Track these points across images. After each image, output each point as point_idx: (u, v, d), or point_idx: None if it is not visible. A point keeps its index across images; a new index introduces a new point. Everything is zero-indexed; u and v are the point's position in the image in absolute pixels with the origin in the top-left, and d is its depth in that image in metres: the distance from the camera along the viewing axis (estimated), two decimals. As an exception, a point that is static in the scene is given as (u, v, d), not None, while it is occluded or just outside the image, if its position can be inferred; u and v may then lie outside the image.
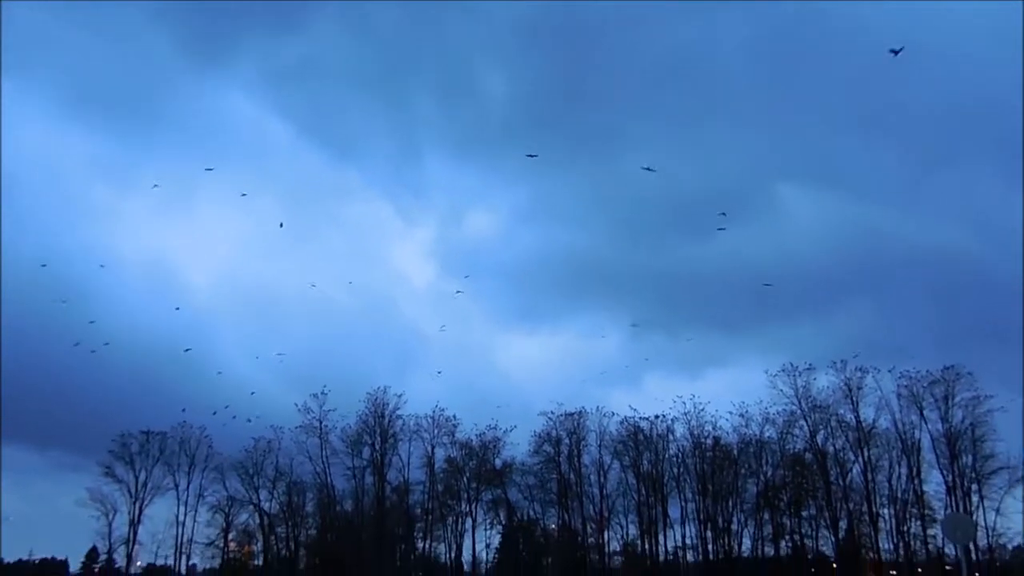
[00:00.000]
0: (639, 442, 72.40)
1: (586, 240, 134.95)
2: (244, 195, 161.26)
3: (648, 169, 56.78)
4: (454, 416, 73.59)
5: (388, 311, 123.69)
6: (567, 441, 72.88)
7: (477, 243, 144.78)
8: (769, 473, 70.88)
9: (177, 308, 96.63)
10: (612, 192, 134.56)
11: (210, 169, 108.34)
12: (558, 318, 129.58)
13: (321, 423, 71.93)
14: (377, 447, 72.20)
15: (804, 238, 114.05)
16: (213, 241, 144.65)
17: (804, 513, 70.21)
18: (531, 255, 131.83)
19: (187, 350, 76.99)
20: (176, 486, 72.02)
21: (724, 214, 67.41)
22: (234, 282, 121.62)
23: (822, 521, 69.29)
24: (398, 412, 72.77)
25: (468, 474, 73.34)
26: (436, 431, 73.13)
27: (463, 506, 72.97)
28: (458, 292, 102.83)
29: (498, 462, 73.52)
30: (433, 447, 73.23)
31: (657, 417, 72.15)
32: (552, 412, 73.23)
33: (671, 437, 72.36)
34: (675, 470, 72.14)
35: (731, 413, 71.65)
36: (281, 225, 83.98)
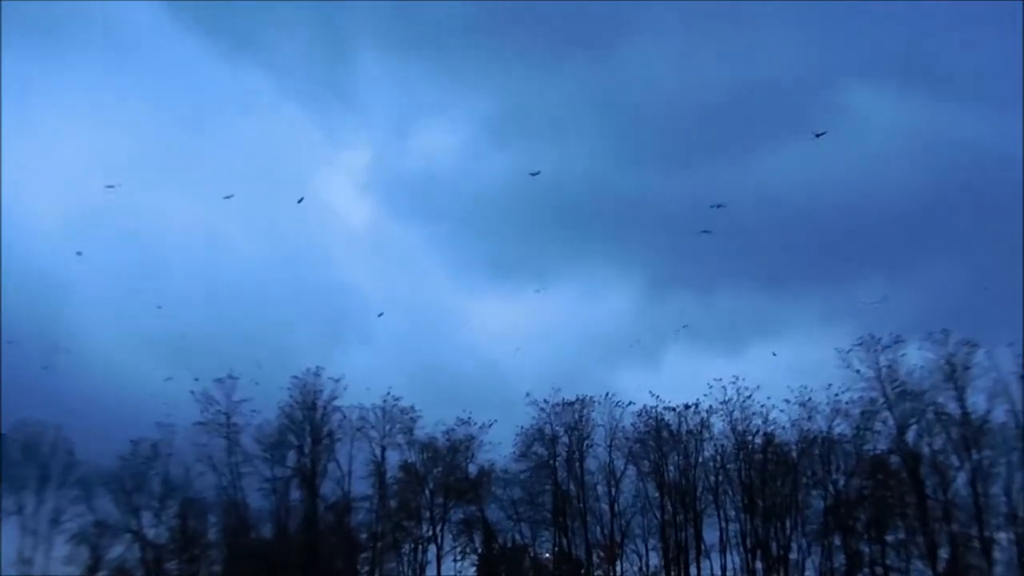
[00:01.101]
0: (663, 441, 62.33)
1: (580, 165, 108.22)
2: (104, 102, 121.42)
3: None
4: (412, 407, 63.29)
5: (313, 264, 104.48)
6: (565, 440, 63.18)
7: (431, 170, 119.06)
8: (841, 483, 60.84)
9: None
10: (614, 98, 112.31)
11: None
12: (547, 274, 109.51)
13: (228, 419, 61.69)
14: (306, 450, 62.25)
15: (885, 160, 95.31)
16: (61, 165, 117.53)
17: (889, 537, 60.65)
18: (505, 187, 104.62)
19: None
20: (20, 509, 60.33)
21: (720, 206, 56.36)
22: (94, 221, 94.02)
23: (914, 549, 59.60)
24: (335, 402, 62.60)
25: (431, 485, 63.59)
26: (387, 427, 63.02)
27: (424, 528, 63.41)
28: (406, 239, 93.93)
29: (472, 468, 63.89)
30: (384, 449, 63.11)
31: (688, 407, 62.12)
32: (545, 401, 63.28)
33: (706, 434, 62.30)
34: (712, 479, 62.16)
35: (788, 402, 60.90)
36: (300, 200, 72.29)
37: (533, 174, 64.13)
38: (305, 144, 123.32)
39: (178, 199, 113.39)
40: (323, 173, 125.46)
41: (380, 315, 70.05)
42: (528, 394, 62.83)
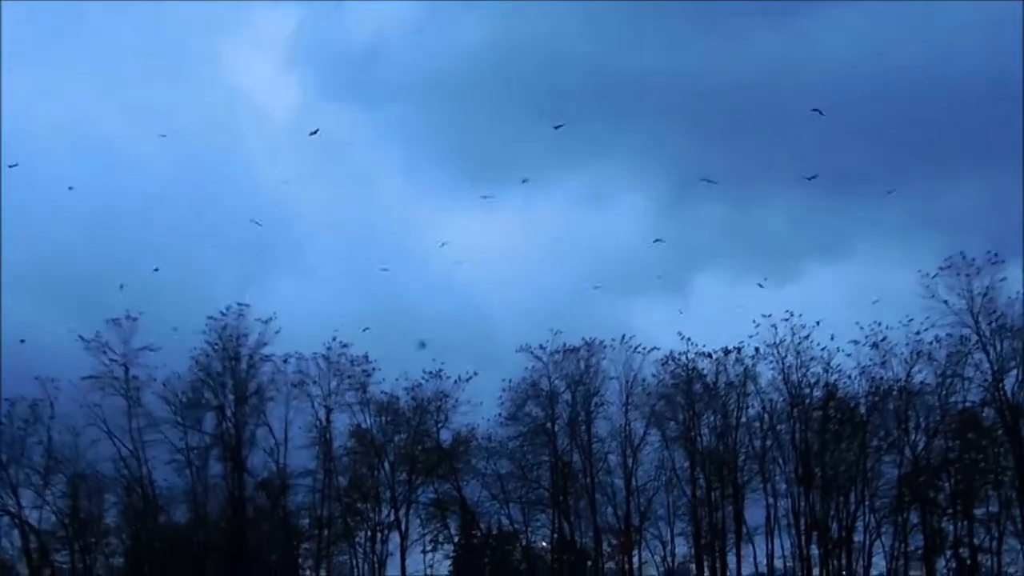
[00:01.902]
0: (695, 397, 54.93)
1: (574, 23, 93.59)
2: None
3: None
4: (365, 357, 54.36)
5: (223, 167, 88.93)
6: (568, 397, 55.33)
7: (379, 40, 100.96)
8: (921, 445, 53.80)
9: None
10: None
11: None
12: (534, 175, 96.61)
13: (127, 371, 53.17)
14: (229, 413, 54.27)
15: (976, 29, 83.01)
16: None
17: (979, 511, 54.52)
18: (476, 61, 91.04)
19: None
20: None
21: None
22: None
23: (1009, 525, 53.34)
24: (264, 350, 53.92)
25: (392, 457, 55.85)
26: (334, 383, 54.60)
27: (384, 512, 55.98)
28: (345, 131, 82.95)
29: (445, 435, 55.96)
30: (329, 411, 54.83)
31: (727, 352, 54.36)
32: (541, 347, 54.93)
33: (751, 387, 54.71)
34: (758, 444, 54.91)
35: (856, 343, 52.94)
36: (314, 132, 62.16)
37: (557, 127, 55.54)
38: (206, 6, 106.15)
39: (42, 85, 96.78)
40: (232, 45, 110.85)
41: (314, 236, 61.29)
42: (523, 345, 54.44)
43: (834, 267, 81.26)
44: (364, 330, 52.48)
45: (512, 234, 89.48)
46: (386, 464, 55.41)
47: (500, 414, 54.88)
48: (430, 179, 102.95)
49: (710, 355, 54.31)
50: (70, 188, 67.95)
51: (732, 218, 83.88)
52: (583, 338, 54.41)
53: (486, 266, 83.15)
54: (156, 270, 53.94)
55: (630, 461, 54.58)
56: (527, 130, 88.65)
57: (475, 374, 54.53)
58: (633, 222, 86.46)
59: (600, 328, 55.23)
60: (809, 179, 62.22)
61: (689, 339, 54.12)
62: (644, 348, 54.23)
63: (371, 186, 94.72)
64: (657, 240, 59.99)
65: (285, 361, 53.70)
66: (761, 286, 55.62)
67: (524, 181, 64.78)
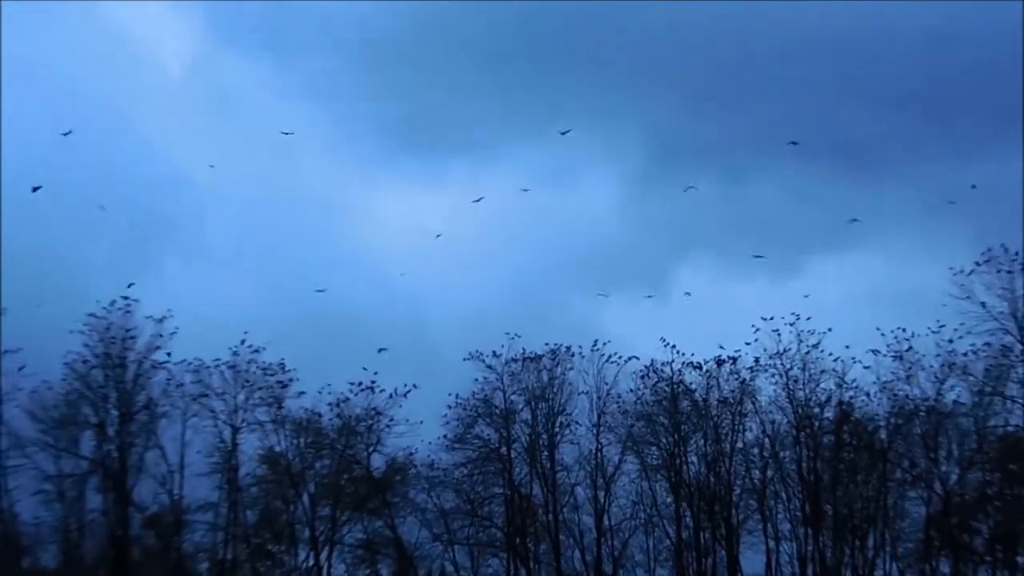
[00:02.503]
0: (682, 416, 50.43)
1: None
2: None
3: None
4: (281, 365, 49.40)
5: (103, 127, 78.52)
6: (527, 416, 50.66)
7: None
8: (953, 478, 49.53)
9: None
10: None
11: None
12: (483, 144, 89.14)
13: None
14: (111, 431, 49.07)
15: None
16: None
17: (1022, 558, 49.97)
18: (412, 4, 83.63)
19: None
20: None
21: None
22: None
23: None
24: (156, 355, 48.92)
25: (313, 488, 51.05)
26: (242, 396, 49.47)
27: (302, 556, 51.04)
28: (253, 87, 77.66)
29: (378, 461, 51.09)
30: (236, 431, 49.55)
31: (721, 363, 50.02)
32: (494, 355, 50.33)
33: (750, 405, 50.19)
34: (756, 474, 50.56)
35: (876, 354, 48.68)
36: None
37: (564, 132, 52.61)
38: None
39: None
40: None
41: (220, 214, 56.00)
42: (473, 352, 49.71)
43: (844, 258, 75.17)
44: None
45: (457, 217, 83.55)
46: (305, 496, 50.15)
47: (444, 436, 49.86)
48: (358, 149, 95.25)
49: (699, 366, 49.42)
50: None
51: (722, 199, 78.83)
52: (546, 344, 49.22)
53: (425, 255, 76.20)
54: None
55: (602, 495, 49.59)
56: (474, 92, 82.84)
57: (414, 387, 48.87)
58: (603, 203, 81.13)
59: (565, 332, 50.87)
60: (792, 144, 57.54)
61: (674, 346, 49.06)
62: (620, 357, 49.13)
63: (287, 156, 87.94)
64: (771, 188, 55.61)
65: (181, 370, 48.20)
66: (759, 256, 53.20)
67: (564, 133, 57.72)
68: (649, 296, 61.20)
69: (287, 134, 53.71)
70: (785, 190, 78.42)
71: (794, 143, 57.58)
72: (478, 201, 56.14)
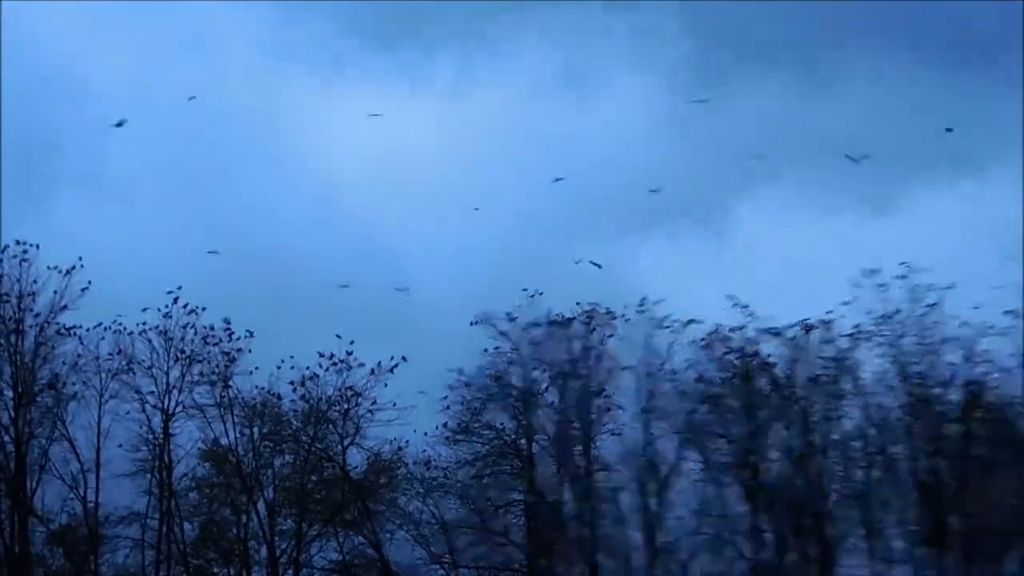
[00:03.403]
0: (757, 399, 44.07)
1: None
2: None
3: None
4: (227, 329, 44.35)
5: None
6: (553, 398, 45.05)
7: None
8: None
9: None
10: None
11: None
12: (474, 40, 78.10)
13: None
14: (6, 418, 44.65)
15: None
16: None
17: None
18: None
19: None
20: None
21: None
22: None
23: None
24: (63, 318, 44.37)
25: (272, 492, 46.65)
26: (176, 371, 44.99)
27: None
28: None
29: (356, 458, 46.30)
30: (169, 417, 45.15)
31: (809, 328, 43.43)
32: (510, 317, 44.36)
33: (847, 384, 43.65)
34: (858, 475, 44.33)
35: (1016, 316, 42.30)
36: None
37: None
38: None
39: None
40: None
41: (120, 124, 48.42)
42: (481, 315, 43.64)
43: (957, 191, 64.53)
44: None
45: (444, 134, 71.61)
46: (260, 504, 44.96)
47: (444, 425, 44.19)
48: (307, 44, 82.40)
49: (781, 333, 42.93)
50: None
51: (797, 109, 69.48)
52: (577, 304, 42.80)
53: (406, 189, 68.10)
54: None
55: (654, 502, 43.35)
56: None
57: (403, 360, 43.36)
58: (636, 115, 70.34)
59: (590, 290, 43.16)
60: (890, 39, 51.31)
61: (745, 307, 42.27)
62: (676, 321, 42.38)
63: (213, 53, 76.85)
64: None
65: (94, 338, 43.14)
66: (853, 160, 44.30)
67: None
68: (701, 240, 53.35)
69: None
70: (883, 99, 68.43)
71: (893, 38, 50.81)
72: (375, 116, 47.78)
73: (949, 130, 49.24)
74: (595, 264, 42.01)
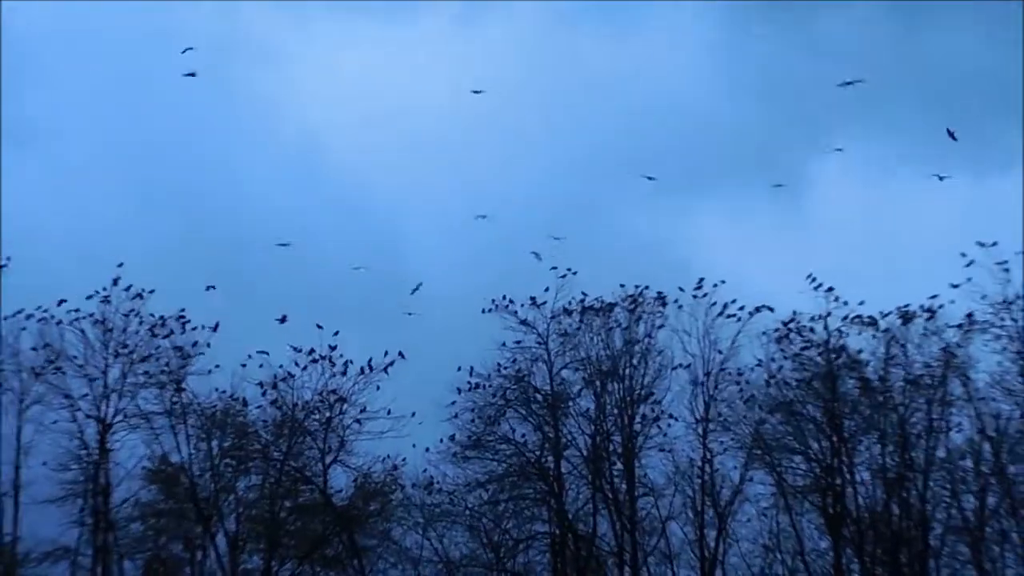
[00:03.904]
0: (844, 406, 37.96)
1: None
2: None
3: None
4: (181, 318, 38.77)
5: None
6: (587, 403, 39.02)
7: None
8: None
9: None
10: None
11: None
12: None
13: None
14: None
15: None
16: None
17: None
18: None
19: None
20: None
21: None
22: None
23: None
24: None
25: (234, 521, 39.66)
26: (117, 368, 38.84)
27: None
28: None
29: (340, 479, 39.80)
30: (107, 427, 38.87)
31: (907, 316, 37.39)
32: (533, 303, 38.64)
33: (957, 388, 37.47)
34: (972, 501, 37.78)
35: None
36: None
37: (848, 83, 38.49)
38: None
39: None
40: None
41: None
42: (496, 301, 38.19)
43: None
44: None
45: (442, 75, 64.40)
46: (220, 537, 38.58)
47: (451, 439, 38.15)
48: None
49: (874, 322, 36.72)
50: None
51: (888, 49, 61.14)
52: (621, 287, 37.11)
53: (398, 145, 61.41)
54: None
55: (712, 534, 37.11)
56: None
57: (400, 357, 37.14)
58: (685, 52, 63.36)
59: (636, 269, 37.75)
60: None
61: (830, 289, 36.36)
62: (742, 308, 36.72)
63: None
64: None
65: (13, 326, 37.64)
66: (941, 179, 38.49)
67: None
68: (770, 204, 47.20)
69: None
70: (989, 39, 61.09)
71: None
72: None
73: None
74: (649, 178, 35.83)
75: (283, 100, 67.19)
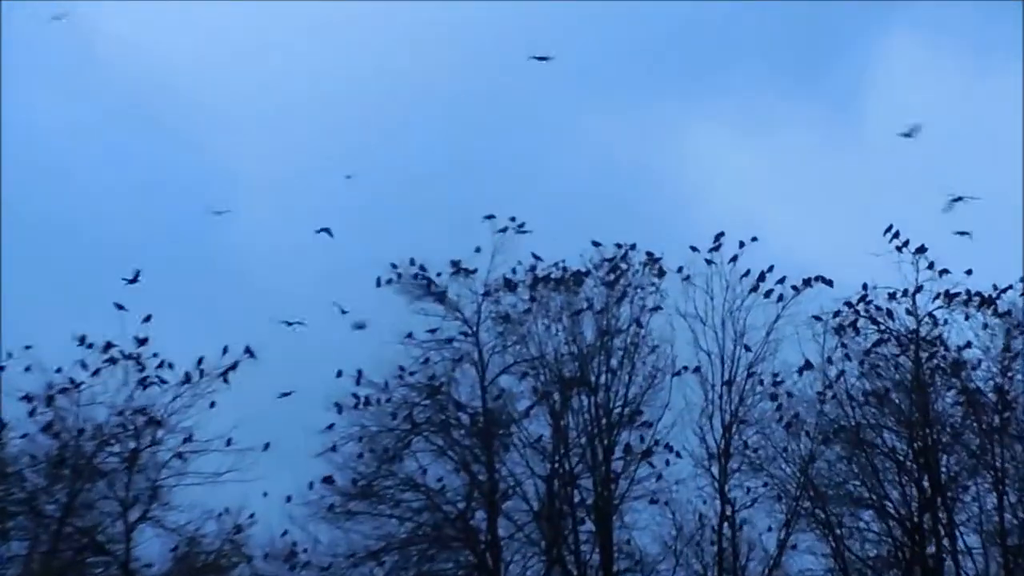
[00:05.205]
0: (919, 412, 25.93)
1: None
2: None
3: None
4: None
5: None
6: (541, 426, 26.59)
7: None
8: None
9: None
10: None
11: None
12: None
13: None
14: None
15: None
16: None
17: None
18: None
19: None
20: None
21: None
22: None
23: None
24: None
25: None
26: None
27: None
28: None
29: (148, 549, 25.85)
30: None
31: (994, 297, 26.45)
32: (453, 273, 27.13)
33: None
34: None
35: None
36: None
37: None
38: None
39: None
40: None
41: None
42: (390, 274, 27.98)
43: None
44: None
45: None
46: None
47: (327, 482, 26.77)
48: None
49: (988, 302, 25.79)
50: None
51: None
52: (596, 245, 25.91)
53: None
54: None
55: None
56: None
57: (249, 355, 25.78)
58: None
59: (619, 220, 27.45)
60: None
61: (922, 251, 25.42)
62: (782, 279, 25.48)
63: None
64: None
65: None
66: None
67: None
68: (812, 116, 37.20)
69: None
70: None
71: None
72: None
73: None
74: (540, 58, 24.42)
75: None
